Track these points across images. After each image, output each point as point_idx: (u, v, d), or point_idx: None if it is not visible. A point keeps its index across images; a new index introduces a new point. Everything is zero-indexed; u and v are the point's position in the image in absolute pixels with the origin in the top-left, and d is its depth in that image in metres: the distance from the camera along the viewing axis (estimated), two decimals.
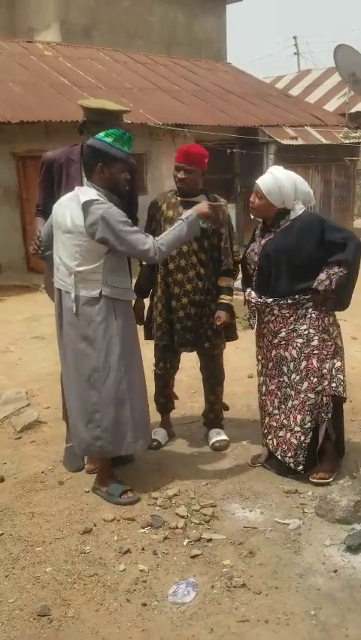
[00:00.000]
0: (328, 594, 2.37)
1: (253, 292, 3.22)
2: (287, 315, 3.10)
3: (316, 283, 3.01)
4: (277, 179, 3.02)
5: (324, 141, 11.66)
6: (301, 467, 3.17)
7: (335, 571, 2.49)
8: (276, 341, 3.16)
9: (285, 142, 11.00)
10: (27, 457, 3.58)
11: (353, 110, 13.38)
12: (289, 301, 3.07)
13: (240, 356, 5.08)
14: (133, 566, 2.56)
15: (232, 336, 3.58)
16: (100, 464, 3.18)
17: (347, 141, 11.99)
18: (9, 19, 14.08)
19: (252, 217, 3.27)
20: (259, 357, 3.33)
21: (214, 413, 3.73)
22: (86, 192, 2.81)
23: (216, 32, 16.49)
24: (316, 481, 3.14)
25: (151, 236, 2.85)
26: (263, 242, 3.16)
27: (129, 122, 9.07)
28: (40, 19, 13.59)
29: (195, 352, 3.60)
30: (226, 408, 3.85)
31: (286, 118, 12.15)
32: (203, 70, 13.73)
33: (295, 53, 27.19)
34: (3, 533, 2.81)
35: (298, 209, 3.08)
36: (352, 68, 12.25)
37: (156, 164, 10.07)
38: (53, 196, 3.18)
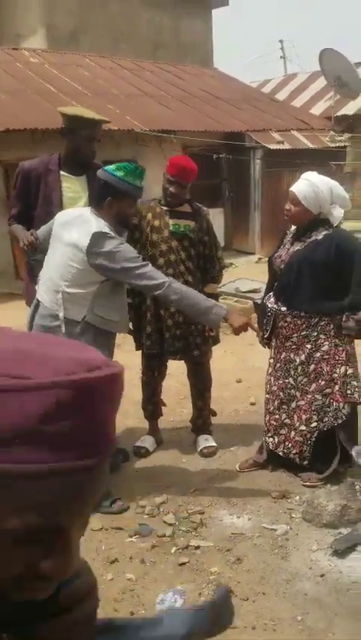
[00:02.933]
0: (315, 599, 2.39)
1: (272, 297, 3.22)
2: (300, 322, 3.09)
3: (345, 331, 3.02)
4: (312, 184, 2.97)
5: (310, 145, 11.72)
6: (306, 462, 3.20)
7: (322, 575, 2.51)
8: (287, 344, 3.17)
9: (272, 147, 11.05)
10: None
11: (339, 114, 13.45)
12: (303, 314, 3.07)
13: (228, 360, 5.11)
14: (121, 575, 2.57)
15: (216, 341, 3.62)
16: None
17: (333, 145, 12.06)
18: None
19: (290, 226, 3.21)
20: (270, 356, 3.34)
21: (202, 419, 3.75)
22: (98, 221, 2.72)
23: (203, 37, 16.54)
24: (308, 484, 3.17)
25: (163, 276, 2.77)
26: (292, 250, 3.11)
27: (116, 128, 9.10)
28: (26, 24, 13.59)
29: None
30: (214, 414, 3.87)
31: (273, 122, 12.20)
32: (189, 75, 13.77)
33: (281, 57, 27.30)
34: None
35: (337, 215, 3.02)
36: (337, 72, 12.30)
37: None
38: (29, 206, 3.17)
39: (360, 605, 2.34)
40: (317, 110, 16.09)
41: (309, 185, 2.98)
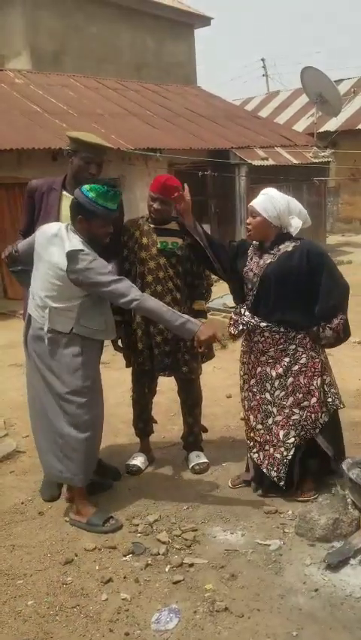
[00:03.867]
0: (309, 614, 2.39)
1: (246, 311, 3.22)
2: (277, 337, 3.12)
3: (323, 341, 3.09)
4: (270, 197, 3.07)
5: (294, 161, 11.89)
6: (283, 483, 3.20)
7: (316, 590, 2.51)
8: (263, 359, 3.18)
9: (256, 163, 11.19)
10: (6, 488, 3.55)
11: (321, 130, 13.70)
12: (282, 329, 3.10)
13: (218, 376, 5.13)
14: (115, 595, 2.56)
15: (210, 355, 3.63)
16: (74, 494, 3.17)
17: (317, 160, 12.24)
18: None
19: (252, 241, 3.24)
20: (242, 372, 3.35)
21: (193, 436, 3.75)
22: (71, 239, 2.83)
23: (185, 56, 16.77)
24: (301, 499, 3.18)
25: (135, 287, 2.87)
26: (263, 263, 3.13)
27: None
28: (10, 45, 13.70)
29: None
30: (205, 430, 3.87)
31: (256, 139, 12.37)
32: (173, 94, 13.95)
33: (263, 75, 27.75)
34: None
35: (295, 225, 3.09)
36: (318, 89, 12.53)
37: (131, 188, 10.16)
38: (33, 222, 3.24)
39: (354, 619, 2.35)
40: (300, 126, 16.38)
41: (266, 198, 3.08)
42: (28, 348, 3.03)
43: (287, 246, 3.08)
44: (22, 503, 3.36)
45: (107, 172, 9.67)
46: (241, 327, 3.20)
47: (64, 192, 3.20)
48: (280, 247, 3.09)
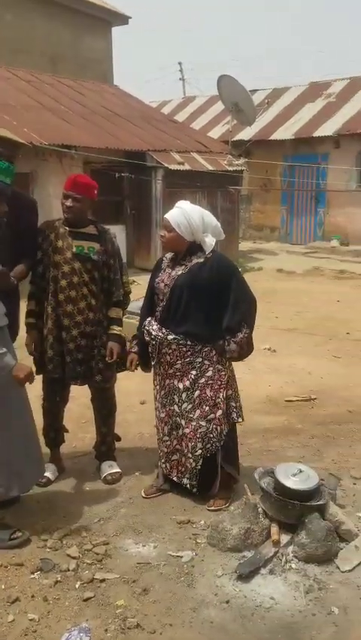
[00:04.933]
0: (221, 626, 2.40)
1: (154, 323, 3.20)
2: (185, 350, 3.12)
3: (228, 355, 3.12)
4: (184, 212, 3.06)
5: (210, 167, 12.05)
6: (195, 490, 3.25)
7: (227, 601, 2.53)
8: (171, 371, 3.19)
9: (172, 167, 11.24)
10: None
11: (235, 138, 13.98)
12: (189, 342, 3.10)
13: (131, 381, 5.04)
14: (22, 615, 2.44)
15: (124, 367, 3.57)
16: None
17: (231, 168, 12.49)
18: None
19: (164, 252, 3.26)
20: (155, 382, 3.34)
21: (106, 445, 3.69)
22: None
23: (102, 54, 16.57)
24: (212, 509, 3.20)
25: None
26: (174, 274, 3.14)
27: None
28: None
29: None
30: (118, 439, 3.82)
31: (173, 143, 12.43)
32: (89, 91, 13.73)
33: (180, 79, 27.97)
34: None
35: (209, 242, 3.12)
36: (234, 98, 12.80)
37: (43, 184, 9.87)
38: None
39: (265, 629, 2.38)
40: (215, 133, 16.65)
41: (181, 213, 3.09)
42: None
43: (199, 257, 3.11)
44: None
45: (19, 167, 9.35)
46: (147, 339, 3.19)
47: None
48: (192, 258, 3.12)
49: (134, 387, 4.94)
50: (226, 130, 15.08)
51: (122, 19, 17.02)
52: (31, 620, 2.42)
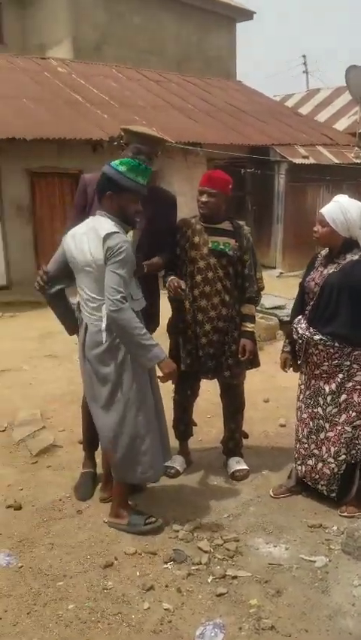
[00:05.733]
0: (358, 638, 2.30)
1: (303, 322, 3.12)
2: (332, 351, 3.00)
3: None
4: (341, 206, 2.93)
5: (336, 160, 11.66)
6: (334, 495, 3.14)
7: None
8: (317, 372, 3.09)
9: (297, 161, 11.01)
10: (44, 483, 3.52)
11: None
12: (336, 344, 2.97)
13: (256, 379, 5.01)
14: (157, 604, 2.49)
15: (255, 363, 3.54)
16: (115, 492, 3.10)
17: (359, 160, 12.00)
18: (19, 33, 14.20)
19: (319, 249, 3.17)
20: (300, 381, 3.26)
21: (234, 441, 3.67)
22: (103, 225, 2.75)
23: (227, 50, 16.61)
24: (345, 515, 3.09)
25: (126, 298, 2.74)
26: (325, 272, 3.03)
27: None
28: (52, 34, 13.70)
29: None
30: (246, 436, 3.79)
31: (298, 137, 12.17)
32: (215, 88, 13.80)
33: (304, 72, 27.34)
34: (22, 566, 2.75)
35: None
36: None
37: (169, 182, 10.05)
38: (84, 217, 3.16)
39: None
40: (341, 125, 16.04)
41: (338, 207, 2.94)
42: (86, 353, 2.92)
43: (354, 254, 2.97)
44: (60, 500, 3.32)
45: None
46: (295, 337, 3.11)
47: None
48: (346, 256, 2.98)
49: (257, 386, 4.90)
50: (353, 122, 14.48)
51: (247, 15, 16.94)
52: (166, 609, 2.46)
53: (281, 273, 11.05)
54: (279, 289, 7.74)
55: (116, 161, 2.78)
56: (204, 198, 3.29)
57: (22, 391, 5.06)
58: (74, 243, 2.84)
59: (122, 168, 2.74)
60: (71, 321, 3.04)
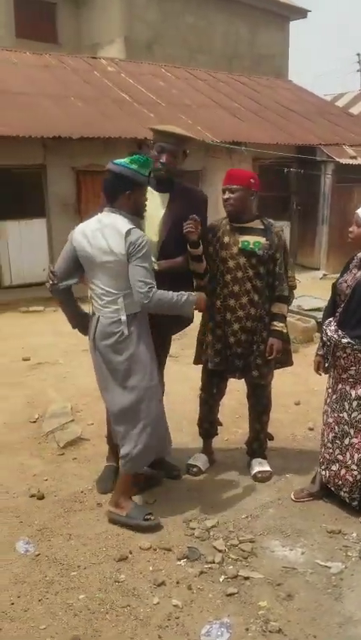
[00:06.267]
0: None
1: (333, 324, 3.08)
2: (360, 356, 2.95)
3: None
4: None
5: None
6: (356, 503, 3.08)
7: None
8: (345, 376, 3.04)
9: (343, 161, 10.81)
10: (68, 475, 3.58)
11: None
12: None
13: (287, 381, 4.97)
14: (167, 600, 2.51)
15: (287, 362, 3.51)
16: (120, 482, 3.10)
17: None
18: (74, 33, 14.45)
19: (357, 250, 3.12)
20: (327, 385, 3.22)
21: (259, 442, 3.65)
22: (119, 222, 2.83)
23: (278, 49, 16.45)
24: None
25: (154, 285, 2.81)
26: (359, 275, 2.97)
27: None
28: (105, 34, 13.89)
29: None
30: (271, 438, 3.75)
31: (347, 137, 11.95)
32: (263, 87, 13.70)
33: (358, 71, 26.77)
34: (39, 554, 2.81)
35: None
36: None
37: (212, 181, 10.05)
38: None
39: None
40: None
41: None
42: (97, 344, 2.98)
43: None
44: (82, 492, 3.38)
45: (189, 164, 9.62)
46: (324, 339, 3.06)
47: (149, 187, 3.13)
48: None
49: (289, 388, 4.85)
50: None
51: (301, 13, 16.74)
52: (174, 605, 2.47)
53: (325, 274, 10.87)
54: (321, 292, 7.62)
55: (125, 160, 2.82)
56: (226, 196, 3.29)
57: (56, 384, 5.16)
58: (87, 240, 2.89)
59: (134, 166, 2.80)
60: (79, 315, 3.14)
